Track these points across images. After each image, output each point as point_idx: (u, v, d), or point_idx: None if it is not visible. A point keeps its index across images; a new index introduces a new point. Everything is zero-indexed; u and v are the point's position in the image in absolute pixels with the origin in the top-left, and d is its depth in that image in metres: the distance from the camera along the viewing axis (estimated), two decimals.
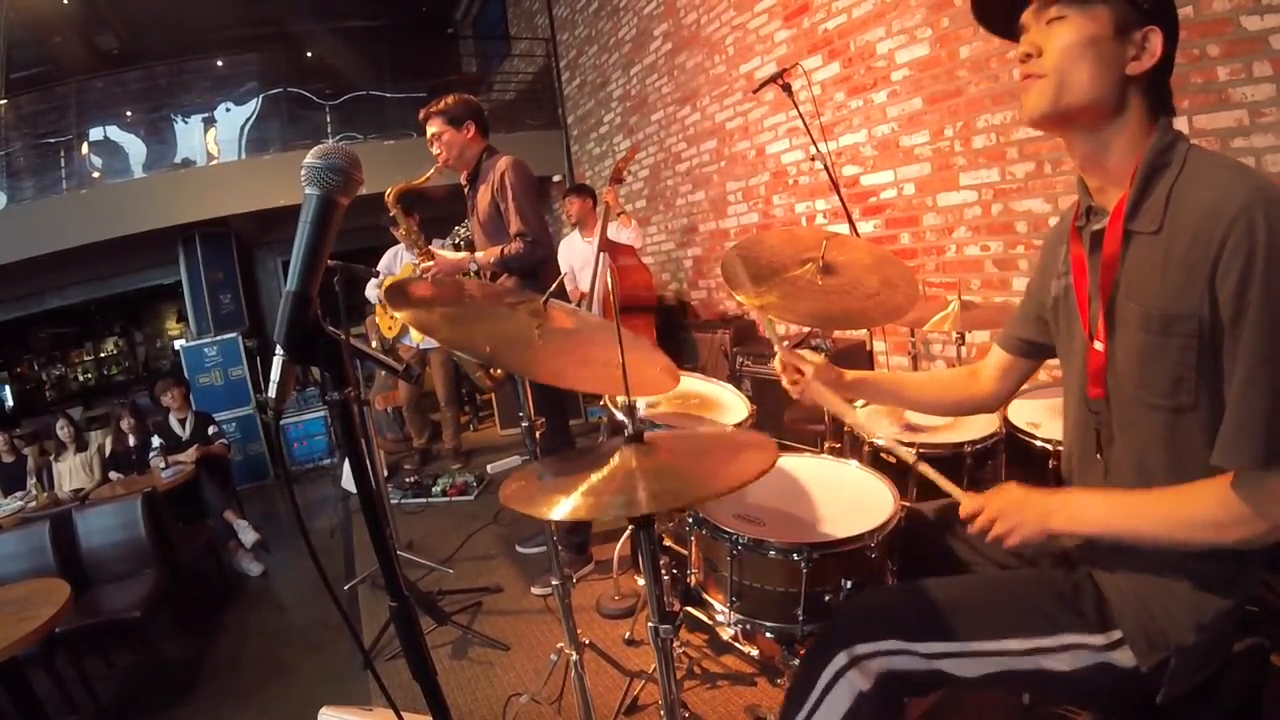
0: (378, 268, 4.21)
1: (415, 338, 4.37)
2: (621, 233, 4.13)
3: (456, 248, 4.33)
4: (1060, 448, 1.29)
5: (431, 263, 2.59)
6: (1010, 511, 0.98)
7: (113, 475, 3.90)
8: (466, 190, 2.70)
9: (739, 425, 1.79)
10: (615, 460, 1.00)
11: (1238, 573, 0.90)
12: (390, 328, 4.45)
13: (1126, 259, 0.91)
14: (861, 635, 1.00)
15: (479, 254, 2.60)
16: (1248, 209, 0.78)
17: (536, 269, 2.53)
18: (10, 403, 8.70)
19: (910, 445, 1.70)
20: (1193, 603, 0.89)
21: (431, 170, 2.57)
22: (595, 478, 0.97)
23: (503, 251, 2.49)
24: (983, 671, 0.96)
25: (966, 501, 1.04)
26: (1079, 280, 0.99)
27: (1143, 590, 0.93)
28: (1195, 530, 0.85)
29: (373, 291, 4.29)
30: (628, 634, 2.21)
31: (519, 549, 3.04)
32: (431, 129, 2.56)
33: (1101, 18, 0.87)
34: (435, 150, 2.58)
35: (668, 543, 1.78)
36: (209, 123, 6.62)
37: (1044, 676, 0.95)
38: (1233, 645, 0.94)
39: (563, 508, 0.91)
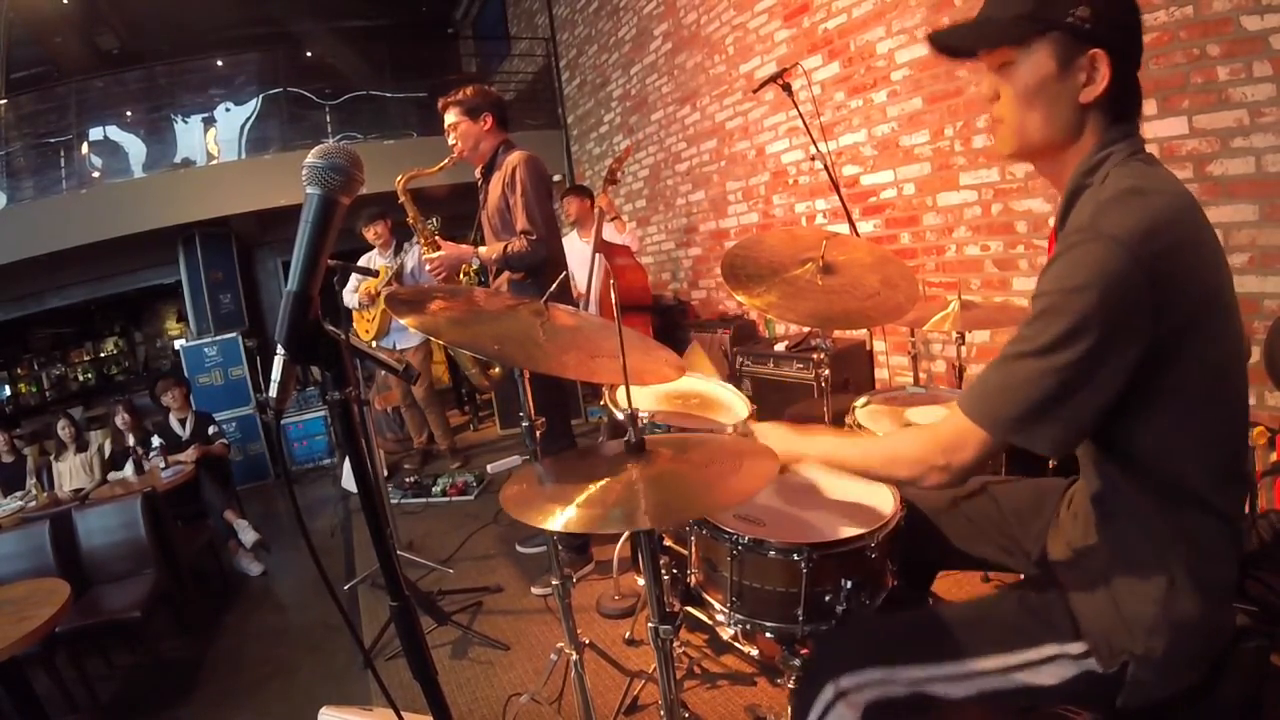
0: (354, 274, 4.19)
1: (411, 333, 4.34)
2: (616, 236, 4.13)
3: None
4: None
5: (439, 253, 2.58)
6: (764, 433, 1.20)
7: (111, 476, 3.89)
8: (479, 183, 2.68)
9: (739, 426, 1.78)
10: (616, 470, 1.00)
11: (1209, 581, 0.89)
12: (368, 331, 4.42)
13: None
14: (845, 665, 1.00)
15: (481, 249, 2.59)
16: (1079, 232, 0.83)
17: (539, 268, 2.50)
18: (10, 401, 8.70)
19: None
20: (1155, 611, 0.88)
21: (446, 160, 2.56)
22: (596, 488, 0.96)
23: (506, 248, 2.46)
24: (969, 692, 0.96)
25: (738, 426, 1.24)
26: None
27: (1106, 598, 0.92)
28: (897, 464, 0.99)
29: (350, 297, 4.27)
30: (628, 634, 2.21)
31: (519, 549, 3.04)
32: (448, 119, 2.54)
33: (1043, 54, 0.87)
34: (451, 140, 2.56)
35: (668, 543, 1.78)
36: (209, 123, 6.61)
37: (1032, 693, 0.95)
38: (1215, 657, 0.93)
39: (562, 519, 0.91)
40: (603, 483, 0.97)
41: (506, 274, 2.60)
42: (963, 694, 0.96)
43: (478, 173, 2.68)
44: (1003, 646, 0.96)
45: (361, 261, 4.32)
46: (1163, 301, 0.80)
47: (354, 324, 4.59)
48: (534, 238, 2.45)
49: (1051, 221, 2.58)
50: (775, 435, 1.19)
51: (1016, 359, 0.86)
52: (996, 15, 0.92)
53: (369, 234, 4.29)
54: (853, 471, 1.09)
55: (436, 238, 2.65)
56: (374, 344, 4.37)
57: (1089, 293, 0.79)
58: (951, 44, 0.98)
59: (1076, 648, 0.93)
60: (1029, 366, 0.84)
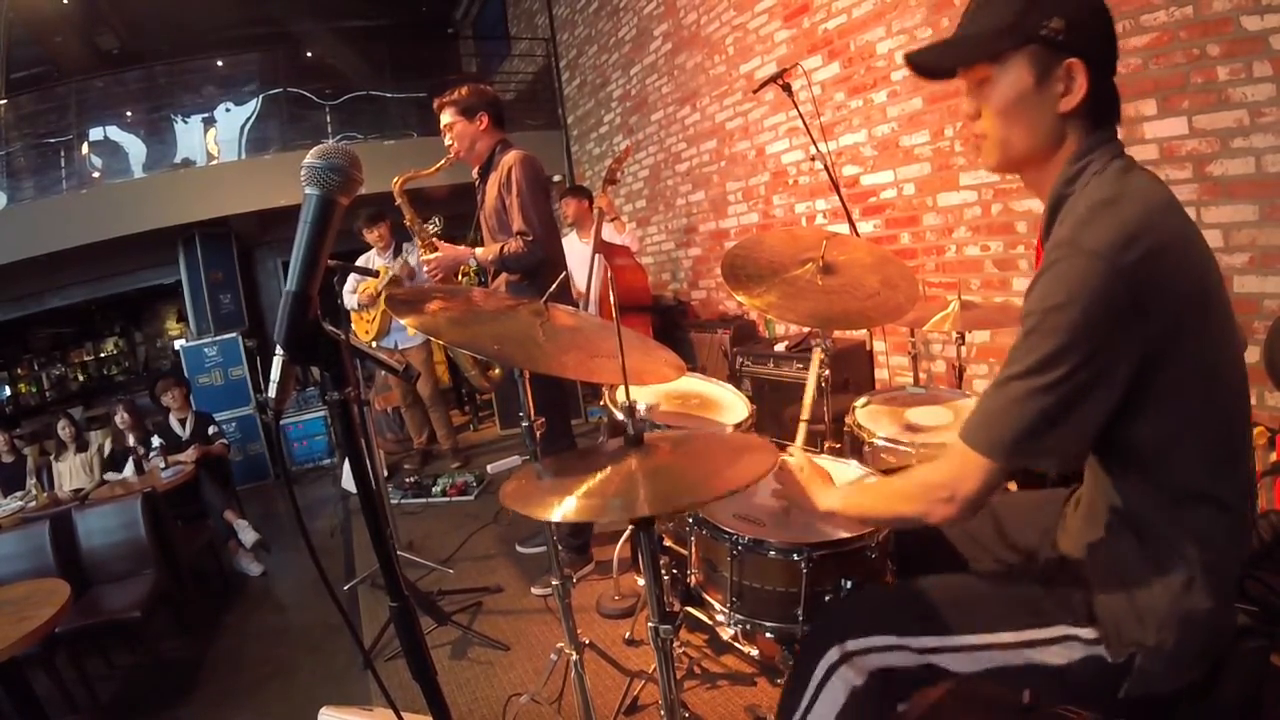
0: (351, 275, 4.19)
1: (410, 331, 4.33)
2: (616, 236, 4.13)
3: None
4: None
5: (436, 254, 2.56)
6: (789, 480, 1.19)
7: (109, 476, 3.89)
8: (477, 184, 2.65)
9: (739, 425, 1.79)
10: (615, 462, 1.00)
11: (1219, 575, 0.89)
12: (367, 331, 4.41)
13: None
14: (853, 630, 1.00)
15: (478, 250, 2.56)
16: (1058, 248, 0.84)
17: (537, 270, 2.46)
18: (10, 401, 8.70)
19: (910, 446, 1.71)
20: (1169, 604, 0.89)
21: (442, 161, 2.53)
22: (595, 479, 0.97)
23: (502, 250, 2.44)
24: (977, 667, 0.97)
25: (792, 455, 1.24)
26: None
27: (1121, 590, 0.93)
28: (905, 501, 0.98)
29: (349, 298, 4.27)
30: (628, 634, 2.21)
31: (519, 549, 3.04)
32: (444, 119, 2.51)
33: (1020, 68, 0.89)
34: (447, 141, 2.53)
35: (668, 543, 1.78)
36: (209, 123, 6.61)
37: (1039, 671, 0.95)
38: (1218, 653, 0.93)
39: (562, 509, 0.91)
40: (602, 474, 0.98)
41: (504, 275, 2.58)
42: (971, 669, 0.97)
43: (475, 173, 2.64)
44: (1016, 622, 0.96)
45: (359, 262, 4.32)
46: (1146, 308, 0.81)
47: (353, 325, 4.58)
48: (530, 239, 2.41)
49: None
50: (806, 478, 1.21)
51: (1008, 382, 0.87)
52: (972, 33, 0.93)
53: (370, 236, 4.29)
54: (871, 518, 1.13)
55: (434, 239, 2.64)
56: (374, 344, 4.37)
57: (1071, 309, 0.80)
58: (929, 64, 0.99)
59: (1088, 633, 0.93)
60: (1020, 388, 0.85)
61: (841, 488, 1.16)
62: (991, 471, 0.88)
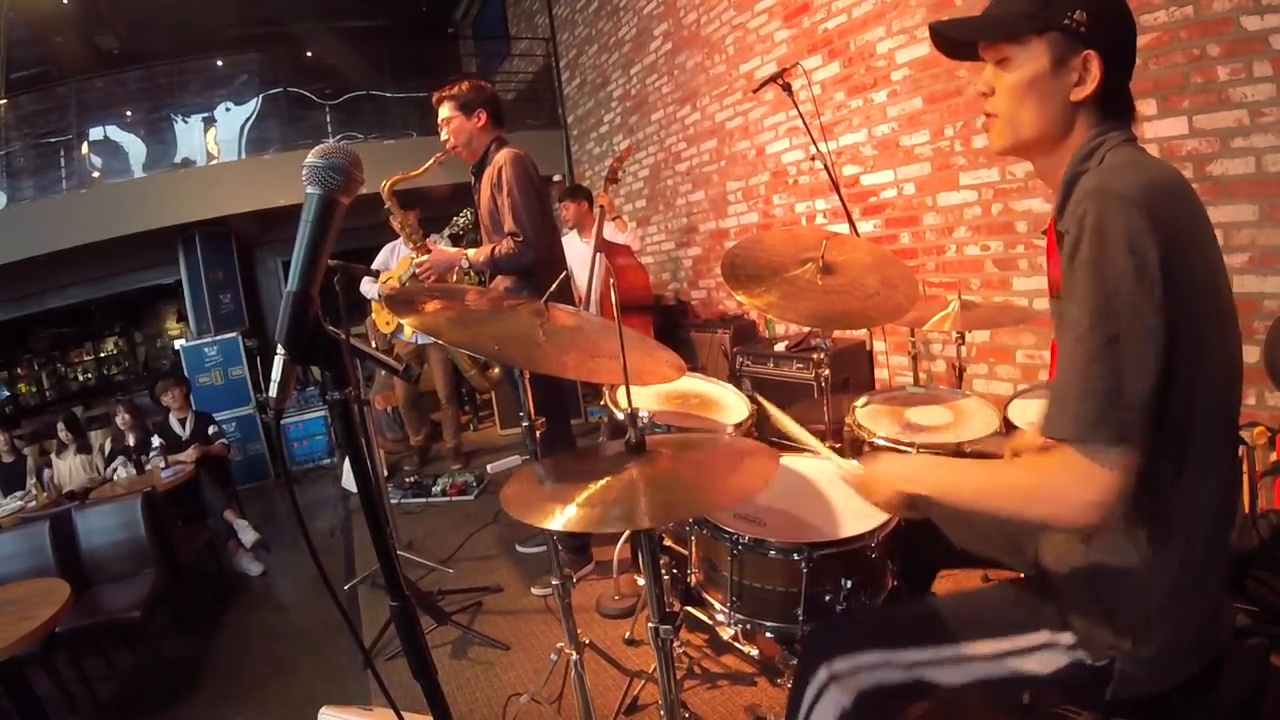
0: (375, 264, 4.21)
1: (407, 334, 4.37)
2: (618, 235, 4.13)
3: (455, 238, 4.32)
4: None
5: (426, 257, 2.56)
6: (870, 481, 1.02)
7: (111, 476, 3.89)
8: (473, 182, 2.64)
9: (739, 425, 1.79)
10: (616, 470, 1.00)
11: (1193, 574, 0.88)
12: (388, 323, 4.43)
13: (1062, 260, 0.93)
14: (840, 648, 1.01)
15: (470, 251, 2.55)
16: (1086, 199, 0.83)
17: (531, 270, 2.43)
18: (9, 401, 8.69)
19: (910, 445, 1.71)
20: (1138, 608, 0.88)
21: (430, 161, 2.53)
22: (595, 487, 0.97)
23: (493, 251, 2.42)
24: (964, 679, 0.97)
25: (844, 469, 1.08)
26: (1051, 276, 1.03)
27: (1090, 595, 0.92)
28: (1009, 499, 0.88)
29: (369, 288, 4.27)
30: (628, 634, 2.21)
31: (519, 549, 3.04)
32: (443, 113, 2.50)
33: (1038, 52, 0.91)
34: (444, 135, 2.52)
35: (668, 543, 1.78)
36: (209, 123, 6.62)
37: (1026, 680, 0.95)
38: (1210, 654, 0.93)
39: (562, 518, 0.92)
40: (603, 482, 0.98)
41: (497, 279, 2.56)
42: (959, 680, 0.97)
43: (470, 171, 2.63)
44: (997, 631, 0.96)
45: (384, 252, 4.35)
46: (1177, 258, 0.79)
47: (374, 315, 4.61)
48: (520, 240, 2.38)
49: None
50: (891, 465, 1.05)
51: (1075, 347, 0.81)
52: (998, 13, 0.96)
53: (395, 224, 4.30)
54: (977, 509, 0.94)
55: (426, 242, 2.66)
56: (393, 337, 4.42)
57: (1116, 250, 0.78)
58: (952, 35, 1.02)
59: (1067, 638, 0.93)
60: (1089, 345, 0.80)
61: (913, 464, 1.05)
62: (1106, 460, 0.79)
